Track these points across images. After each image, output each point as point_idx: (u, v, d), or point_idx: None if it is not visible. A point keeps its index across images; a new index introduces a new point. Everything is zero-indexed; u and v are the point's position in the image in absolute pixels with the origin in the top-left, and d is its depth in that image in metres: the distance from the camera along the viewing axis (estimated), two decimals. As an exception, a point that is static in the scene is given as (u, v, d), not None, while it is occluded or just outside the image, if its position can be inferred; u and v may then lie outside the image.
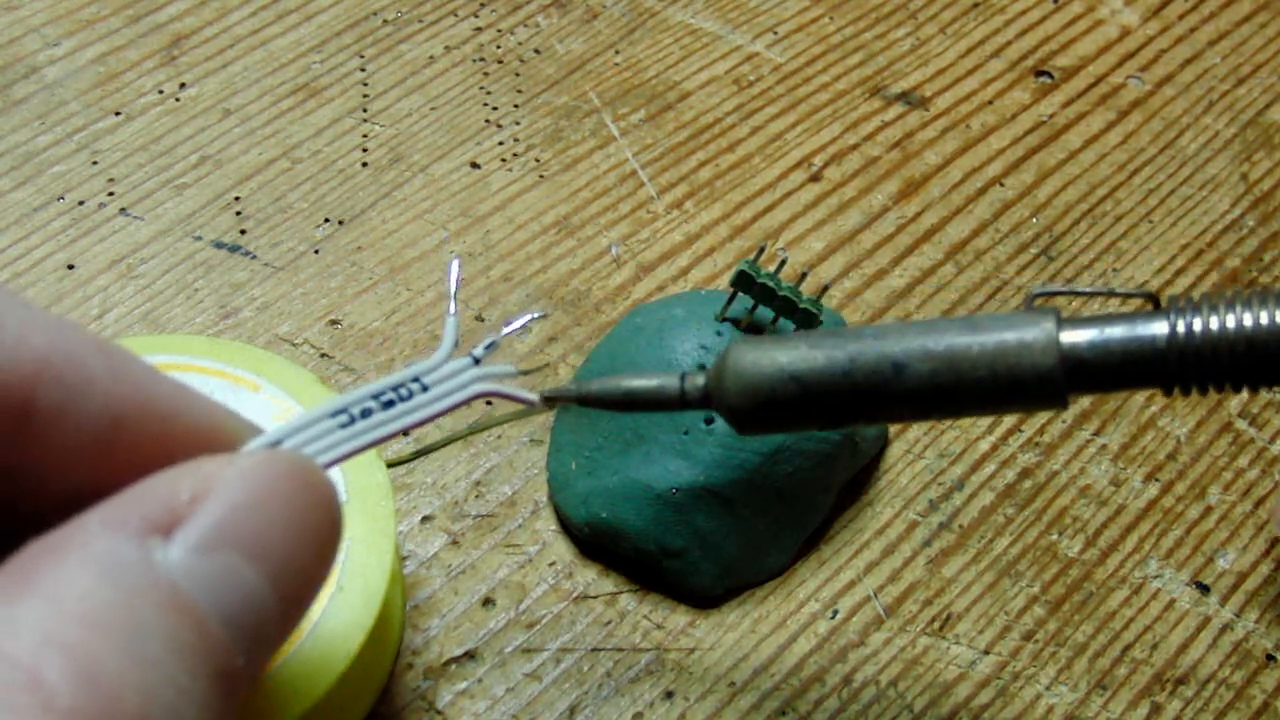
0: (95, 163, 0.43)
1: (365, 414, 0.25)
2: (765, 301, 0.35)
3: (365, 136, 0.45)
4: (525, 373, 0.28)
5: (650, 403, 0.28)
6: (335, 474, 0.32)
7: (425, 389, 0.26)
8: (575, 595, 0.36)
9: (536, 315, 0.30)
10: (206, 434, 0.23)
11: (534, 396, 0.28)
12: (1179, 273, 0.44)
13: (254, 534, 0.21)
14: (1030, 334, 0.26)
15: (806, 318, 0.35)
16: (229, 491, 0.21)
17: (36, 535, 0.20)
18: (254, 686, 0.21)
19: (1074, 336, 0.26)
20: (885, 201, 0.45)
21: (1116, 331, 0.26)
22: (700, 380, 0.28)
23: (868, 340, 0.26)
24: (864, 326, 0.27)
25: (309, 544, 0.22)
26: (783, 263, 0.36)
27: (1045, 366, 0.25)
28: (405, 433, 0.26)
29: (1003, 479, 0.39)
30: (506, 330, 0.28)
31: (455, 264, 0.29)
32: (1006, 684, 0.35)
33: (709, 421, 0.35)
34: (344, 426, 0.25)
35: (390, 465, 0.33)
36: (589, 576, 0.36)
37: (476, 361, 0.27)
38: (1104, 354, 0.25)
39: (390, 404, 0.26)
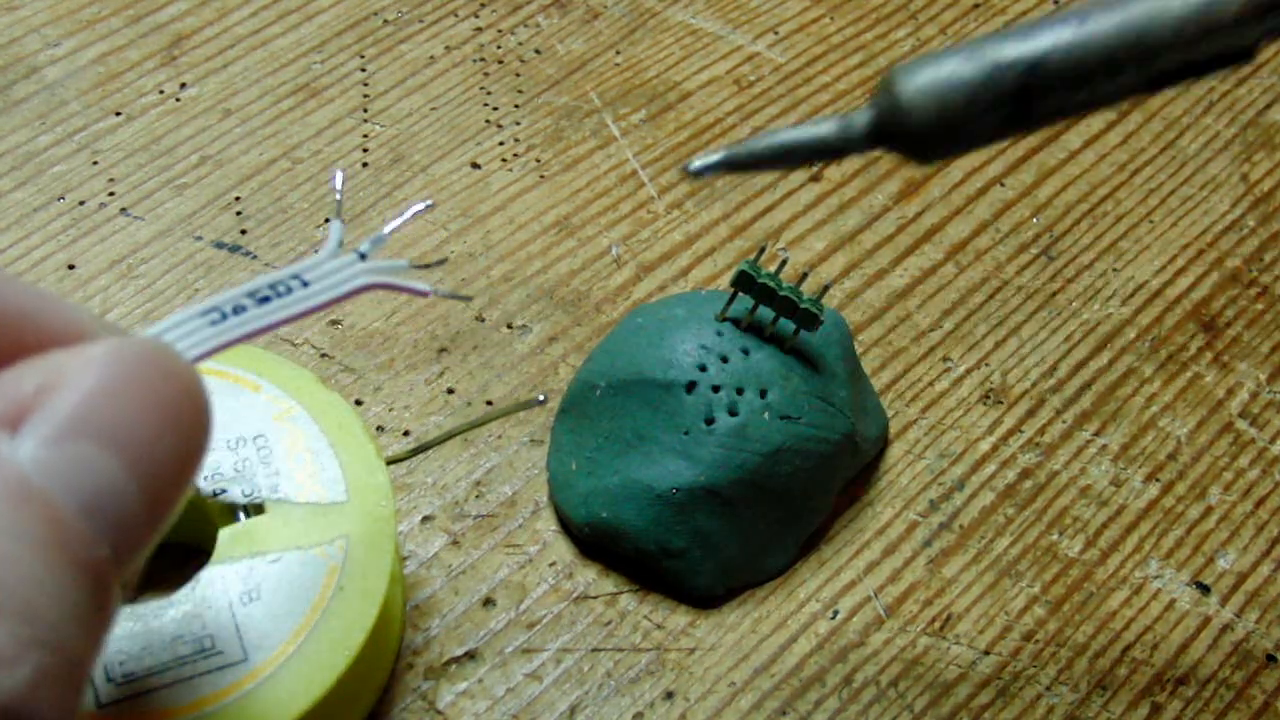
0: (95, 163, 0.43)
1: (238, 310, 0.24)
2: (766, 301, 0.35)
3: (365, 136, 0.45)
4: (419, 266, 0.27)
5: (809, 153, 0.26)
6: (336, 473, 0.32)
7: (306, 285, 0.25)
8: (575, 595, 0.36)
9: (424, 206, 0.29)
10: (63, 336, 0.22)
11: (426, 287, 0.27)
12: (1179, 273, 0.44)
13: (109, 422, 0.20)
14: None
15: (807, 318, 0.35)
16: (79, 379, 0.20)
17: None
18: (129, 583, 0.21)
19: None
20: (885, 201, 0.45)
21: None
22: (865, 116, 0.26)
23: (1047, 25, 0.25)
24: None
25: (171, 432, 0.21)
26: (783, 263, 0.36)
27: (1242, 14, 0.24)
28: (272, 327, 0.24)
29: (1003, 479, 0.39)
30: (392, 225, 0.27)
31: (339, 175, 0.29)
32: (1006, 684, 0.35)
33: (709, 421, 0.35)
34: (214, 324, 0.24)
35: (389, 463, 0.33)
36: (589, 576, 0.36)
37: (363, 257, 0.26)
38: None
39: (266, 300, 0.25)
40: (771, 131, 0.26)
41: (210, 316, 0.24)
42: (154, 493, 0.21)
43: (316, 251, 0.26)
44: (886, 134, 0.26)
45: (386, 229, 0.27)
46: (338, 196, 0.28)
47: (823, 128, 0.26)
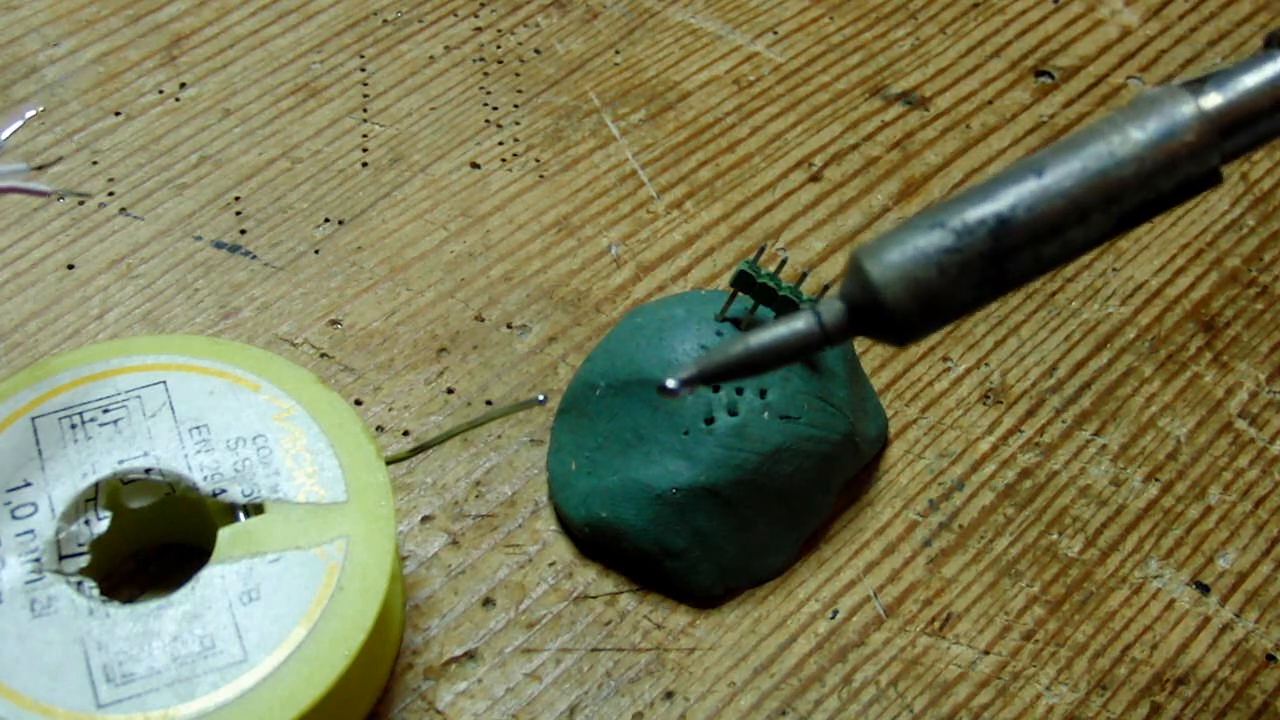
0: (95, 163, 0.43)
1: None
2: (765, 301, 0.35)
3: (365, 136, 0.45)
4: (38, 167, 0.28)
5: (785, 354, 0.25)
6: (336, 473, 0.32)
7: None
8: (575, 595, 0.36)
9: (32, 111, 0.30)
10: None
11: (47, 188, 0.28)
12: (1179, 272, 0.44)
13: None
14: (1172, 112, 0.25)
15: (806, 318, 0.35)
16: None
17: None
18: None
19: (1213, 100, 0.25)
20: (885, 201, 0.45)
21: (1249, 79, 0.25)
22: (837, 306, 0.25)
23: (997, 192, 0.25)
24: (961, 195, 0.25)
25: None
26: (783, 263, 0.36)
27: (1199, 141, 0.25)
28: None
29: (1003, 479, 0.39)
30: (8, 130, 0.28)
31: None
32: (1006, 684, 0.35)
33: (709, 421, 0.35)
34: None
35: (389, 463, 0.33)
36: (589, 576, 0.36)
37: None
38: (1251, 102, 0.25)
39: None
40: (744, 336, 0.25)
41: None
42: None
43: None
44: (862, 321, 0.25)
45: (3, 134, 0.28)
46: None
47: (796, 325, 0.25)
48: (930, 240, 0.24)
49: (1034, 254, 0.25)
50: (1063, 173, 0.25)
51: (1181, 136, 0.25)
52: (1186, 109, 0.25)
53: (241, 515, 0.32)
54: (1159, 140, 0.25)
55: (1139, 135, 0.25)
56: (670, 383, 0.26)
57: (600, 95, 0.47)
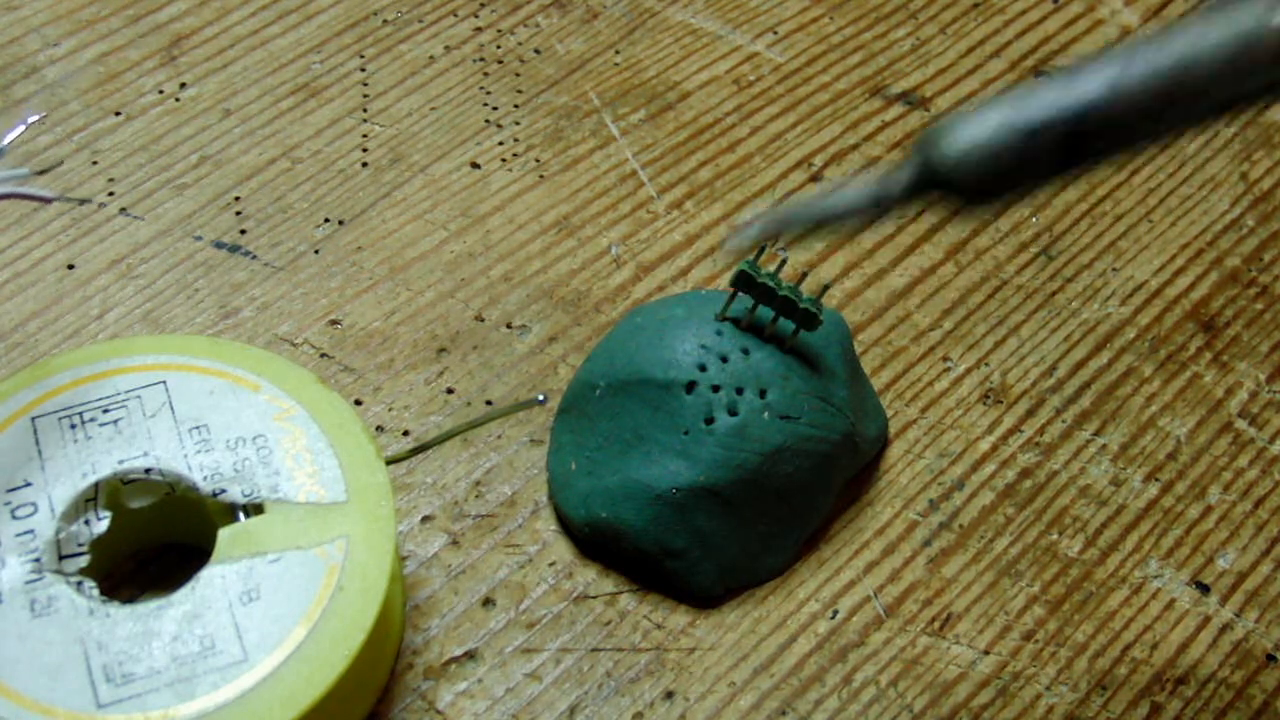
0: (95, 163, 0.43)
1: None
2: (765, 301, 0.35)
3: (365, 136, 0.45)
4: (39, 172, 0.28)
5: (849, 216, 0.27)
6: (336, 473, 0.32)
7: None
8: (575, 595, 0.36)
9: (34, 117, 0.30)
10: None
11: (51, 194, 0.28)
12: (1179, 272, 0.44)
13: None
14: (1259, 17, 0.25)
15: (807, 318, 0.35)
16: None
17: None
18: None
19: None
20: (885, 201, 0.45)
21: None
22: (904, 173, 0.26)
23: (1084, 75, 0.26)
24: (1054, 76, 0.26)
25: None
26: (783, 262, 0.36)
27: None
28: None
29: (1003, 479, 0.39)
30: (10, 135, 0.28)
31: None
32: (1006, 684, 0.35)
33: (709, 421, 0.35)
34: None
35: (389, 463, 0.33)
36: (589, 576, 0.36)
37: None
38: None
39: None
40: (810, 199, 0.27)
41: None
42: None
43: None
44: (932, 182, 0.26)
45: (5, 140, 0.28)
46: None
47: (868, 189, 0.26)
48: (1012, 120, 0.25)
49: (1108, 143, 0.26)
50: (1143, 69, 0.25)
51: (1259, 46, 0.25)
52: (1273, 15, 0.25)
53: (241, 515, 0.32)
54: (1237, 49, 0.25)
55: (1226, 36, 0.25)
56: (731, 241, 0.27)
57: (600, 95, 0.47)
